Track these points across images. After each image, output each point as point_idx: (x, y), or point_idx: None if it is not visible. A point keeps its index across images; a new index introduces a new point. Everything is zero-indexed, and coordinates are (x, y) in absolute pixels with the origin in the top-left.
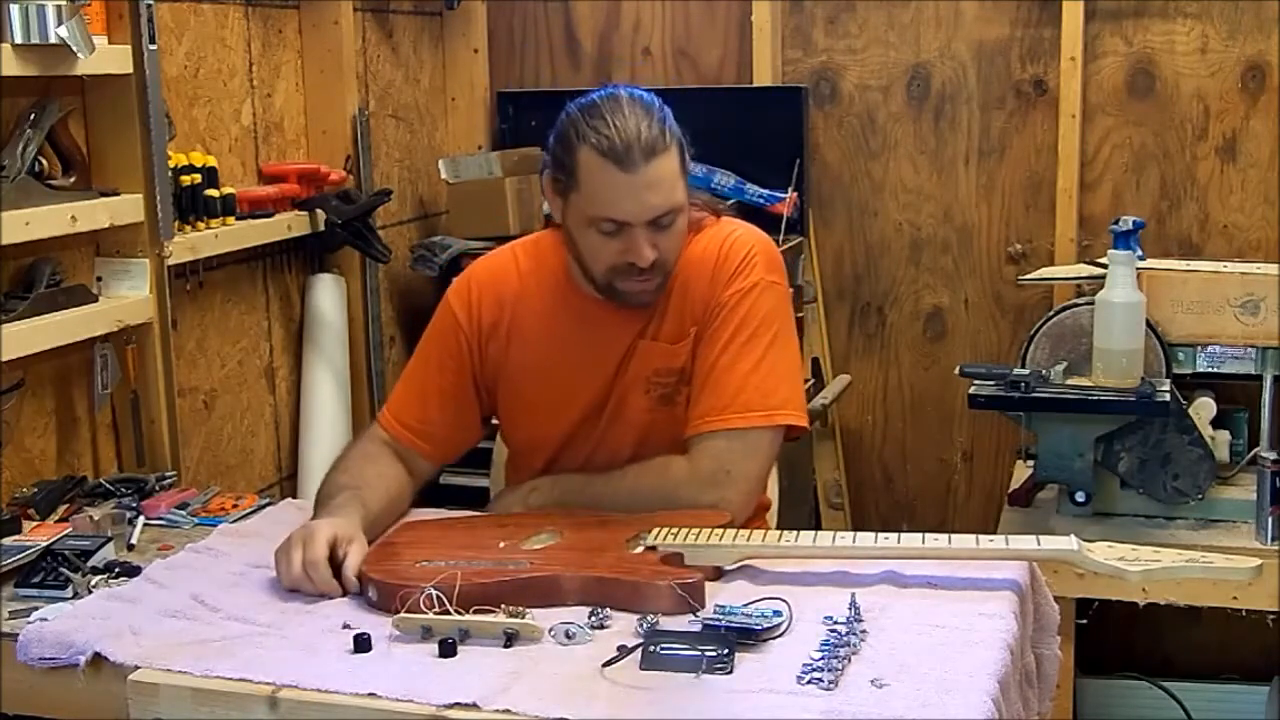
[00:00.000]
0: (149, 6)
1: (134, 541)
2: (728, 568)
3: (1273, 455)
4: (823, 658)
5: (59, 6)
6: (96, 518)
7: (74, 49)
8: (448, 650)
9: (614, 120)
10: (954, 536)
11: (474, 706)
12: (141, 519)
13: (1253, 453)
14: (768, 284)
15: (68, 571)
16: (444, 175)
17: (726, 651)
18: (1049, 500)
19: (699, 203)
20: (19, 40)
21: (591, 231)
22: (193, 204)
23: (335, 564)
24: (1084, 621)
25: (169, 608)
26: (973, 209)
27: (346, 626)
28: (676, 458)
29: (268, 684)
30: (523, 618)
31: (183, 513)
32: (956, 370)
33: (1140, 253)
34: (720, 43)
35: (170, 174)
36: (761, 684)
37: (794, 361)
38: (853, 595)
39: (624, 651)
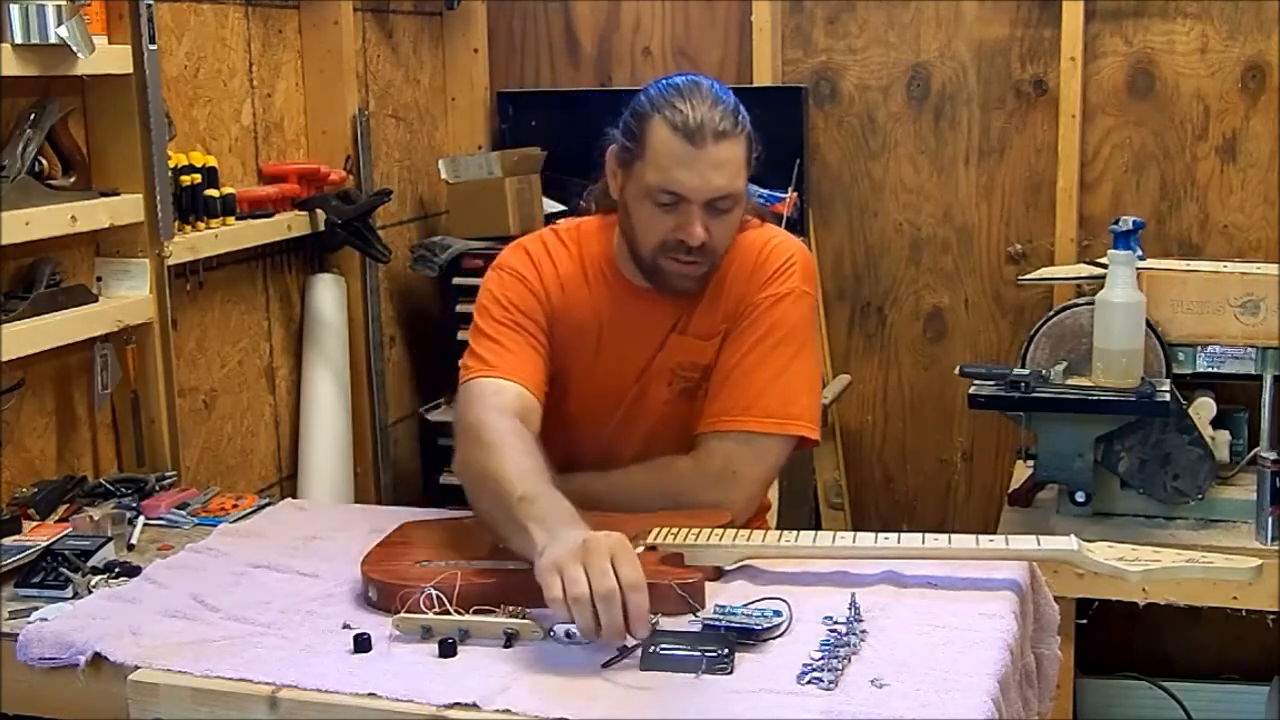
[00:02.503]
0: (149, 6)
1: (134, 541)
2: (728, 568)
3: (1273, 455)
4: (823, 658)
5: (59, 6)
6: (96, 518)
7: (74, 49)
8: (448, 650)
9: (691, 99)
10: (954, 536)
11: (474, 706)
12: (141, 519)
13: (1253, 453)
14: (801, 294)
15: (68, 571)
16: (444, 175)
17: (726, 651)
18: (1049, 500)
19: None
20: (19, 40)
21: (648, 204)
22: (193, 204)
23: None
24: (1084, 621)
25: (169, 608)
26: (973, 209)
27: (346, 626)
28: (681, 457)
29: (268, 684)
30: (523, 618)
31: (183, 513)
32: (956, 370)
33: (1140, 253)
34: (720, 43)
35: (170, 174)
36: (761, 684)
37: (816, 374)
38: (853, 595)
39: (624, 651)
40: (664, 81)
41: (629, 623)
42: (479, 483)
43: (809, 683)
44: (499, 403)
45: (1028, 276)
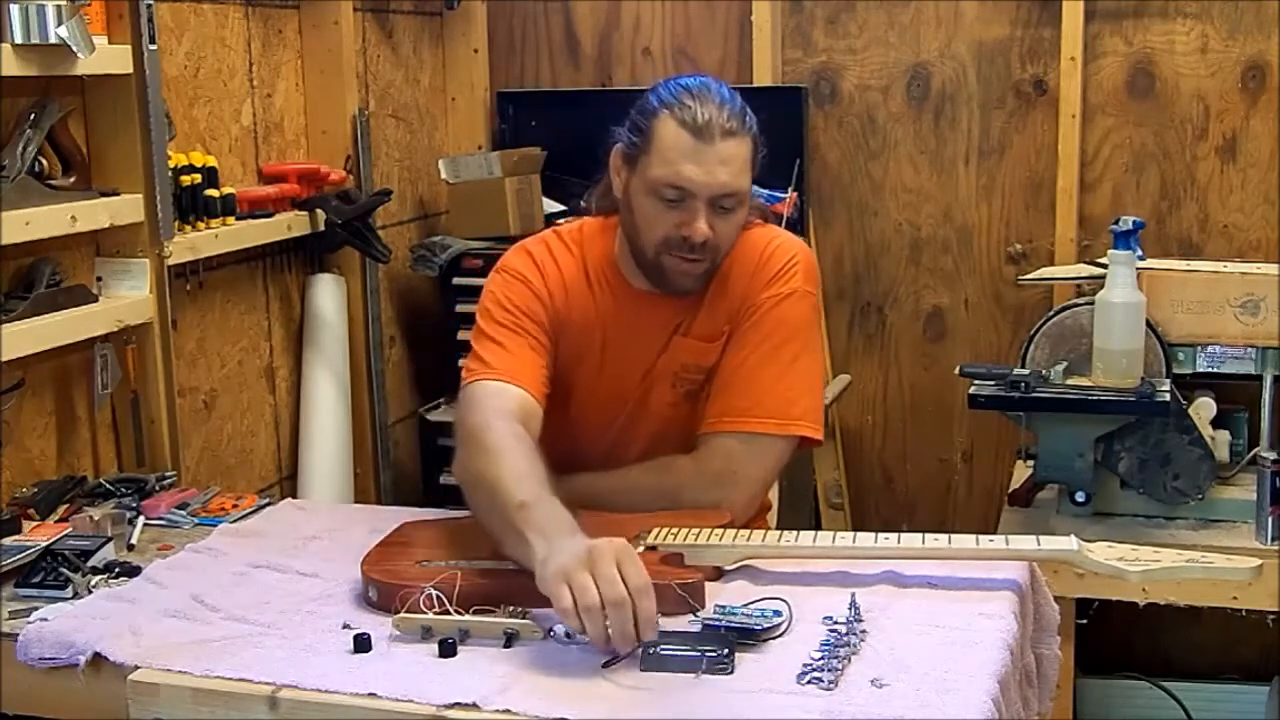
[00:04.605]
0: (149, 6)
1: (134, 541)
2: (728, 568)
3: (1273, 455)
4: (823, 658)
5: (59, 6)
6: (96, 518)
7: (74, 49)
8: (448, 650)
9: (700, 98)
10: (954, 536)
11: (474, 706)
12: (141, 519)
13: (1253, 453)
14: (804, 293)
15: (68, 571)
16: (444, 175)
17: (726, 651)
18: (1049, 500)
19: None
20: (19, 40)
21: (652, 200)
22: (193, 204)
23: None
24: (1084, 621)
25: (169, 608)
26: (973, 209)
27: (346, 626)
28: (682, 457)
29: (268, 684)
30: (523, 618)
31: (183, 513)
32: (956, 370)
33: (1140, 253)
34: (720, 43)
35: (170, 174)
36: (761, 684)
37: (819, 373)
38: (853, 595)
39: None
40: (673, 81)
41: (638, 628)
42: (478, 487)
43: (809, 683)
44: (500, 405)
45: (1028, 276)
